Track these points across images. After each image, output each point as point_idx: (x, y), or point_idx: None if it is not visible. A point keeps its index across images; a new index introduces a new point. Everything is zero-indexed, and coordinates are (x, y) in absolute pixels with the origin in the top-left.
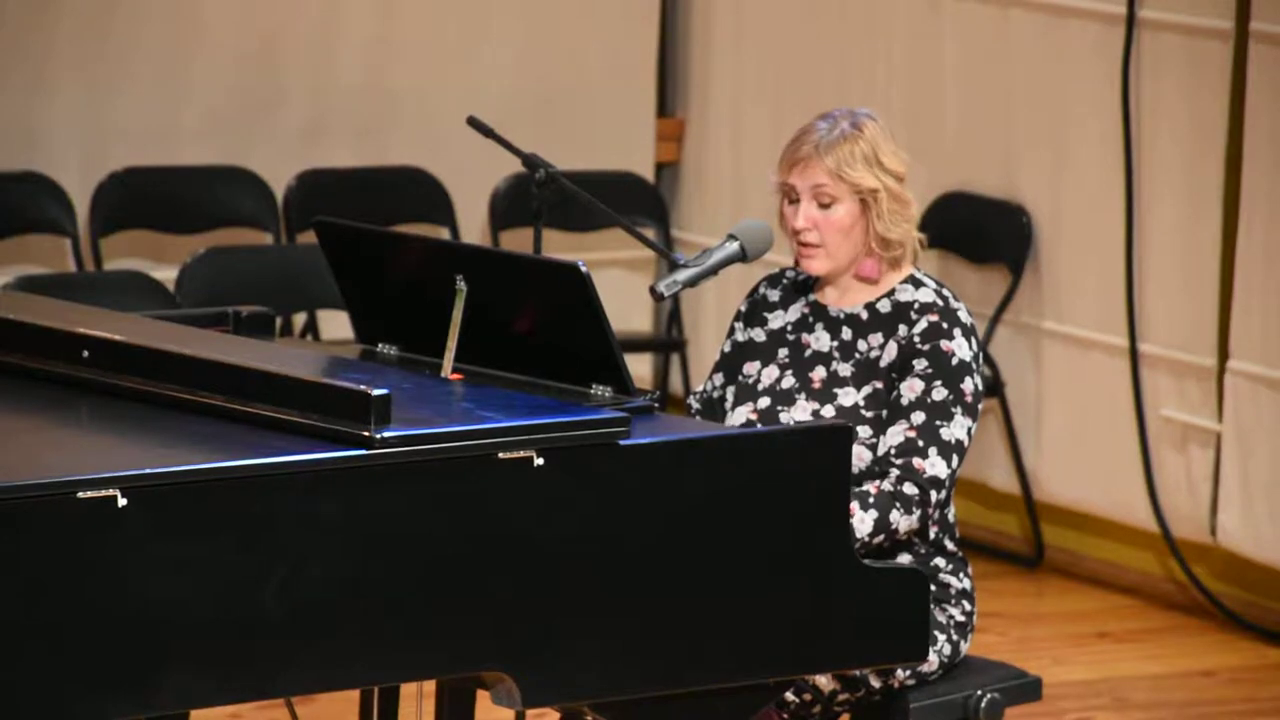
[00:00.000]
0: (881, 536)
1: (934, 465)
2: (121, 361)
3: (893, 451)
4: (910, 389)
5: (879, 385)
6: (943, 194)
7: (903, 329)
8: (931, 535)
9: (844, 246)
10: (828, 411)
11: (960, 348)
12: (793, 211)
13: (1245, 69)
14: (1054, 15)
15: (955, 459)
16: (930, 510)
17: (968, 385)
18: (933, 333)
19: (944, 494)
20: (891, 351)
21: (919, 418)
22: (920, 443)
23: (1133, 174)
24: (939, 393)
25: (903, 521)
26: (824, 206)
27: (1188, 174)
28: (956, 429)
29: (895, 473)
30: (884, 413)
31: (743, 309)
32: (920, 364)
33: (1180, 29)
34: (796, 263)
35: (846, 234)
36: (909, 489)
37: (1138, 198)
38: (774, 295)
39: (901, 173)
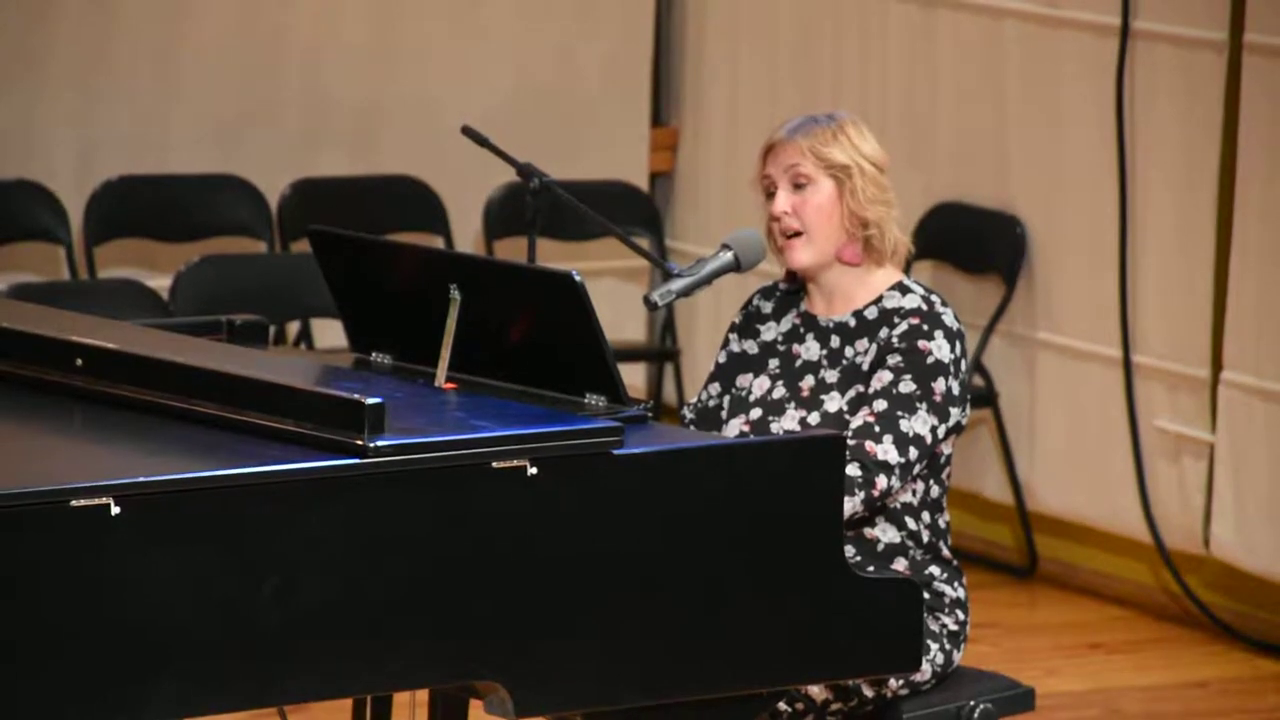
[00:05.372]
0: None
1: (885, 451)
2: (115, 370)
3: (848, 435)
4: (879, 379)
5: (861, 389)
6: (937, 204)
7: (884, 331)
8: (926, 540)
9: (825, 231)
10: (814, 419)
11: (939, 349)
12: (772, 204)
13: (1239, 80)
14: (1048, 26)
15: (912, 451)
16: (876, 494)
17: (939, 385)
18: (912, 334)
19: (894, 481)
20: (872, 353)
21: (880, 405)
22: (877, 428)
23: (1126, 184)
24: (906, 386)
25: (845, 503)
26: (799, 188)
27: (1181, 185)
28: (918, 423)
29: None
30: None
31: (737, 321)
32: (894, 359)
33: (1174, 40)
34: (782, 262)
35: (827, 217)
36: (852, 470)
37: (1131, 208)
38: (767, 307)
39: (878, 160)
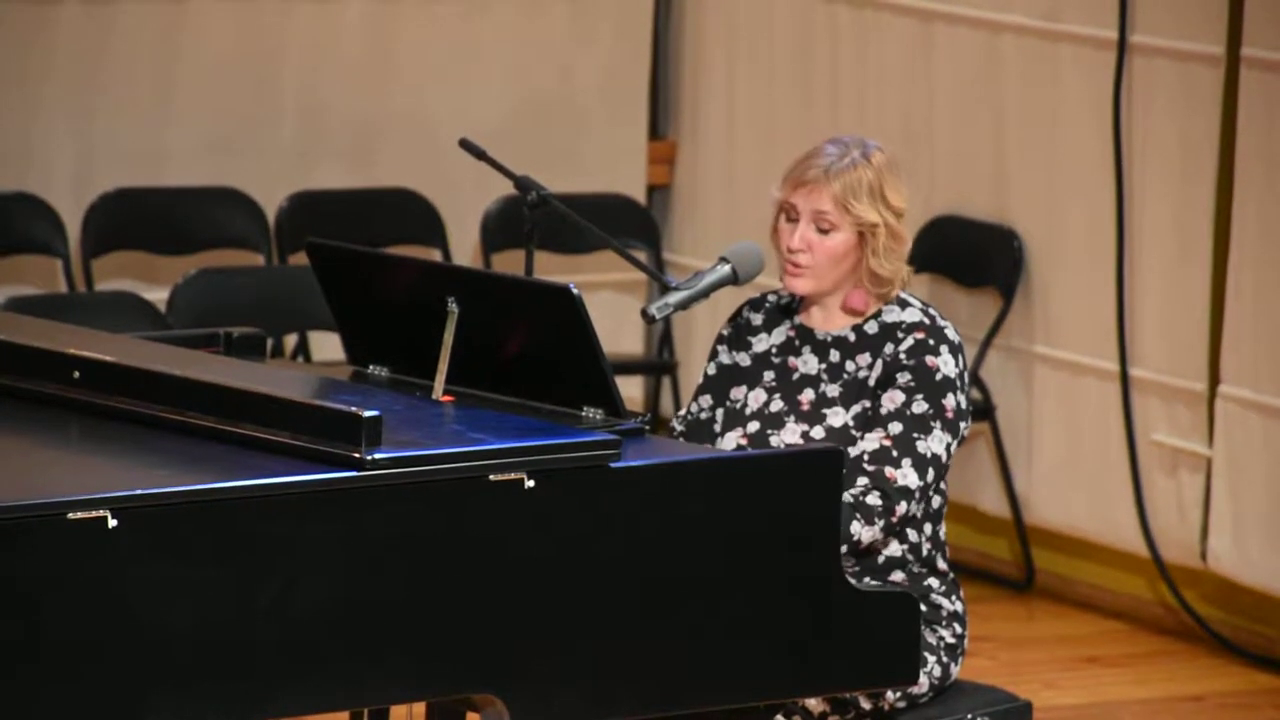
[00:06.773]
0: (844, 548)
1: (905, 476)
2: (112, 382)
3: (865, 458)
4: (891, 400)
5: (867, 404)
6: (934, 217)
7: (889, 347)
8: (924, 552)
9: (832, 273)
10: (817, 433)
11: (946, 364)
12: (789, 230)
13: (1236, 94)
14: (1046, 39)
15: (931, 473)
16: (895, 520)
17: (950, 401)
18: (919, 349)
19: (914, 505)
20: (878, 369)
21: (896, 428)
22: (895, 452)
23: (1124, 198)
24: (919, 405)
25: (865, 532)
26: (822, 232)
27: (1179, 198)
28: (934, 443)
29: (863, 481)
30: None
31: (725, 333)
32: (904, 377)
33: (1172, 54)
34: (782, 279)
35: (838, 262)
36: (872, 499)
37: (1129, 222)
38: (757, 319)
39: (902, 209)
